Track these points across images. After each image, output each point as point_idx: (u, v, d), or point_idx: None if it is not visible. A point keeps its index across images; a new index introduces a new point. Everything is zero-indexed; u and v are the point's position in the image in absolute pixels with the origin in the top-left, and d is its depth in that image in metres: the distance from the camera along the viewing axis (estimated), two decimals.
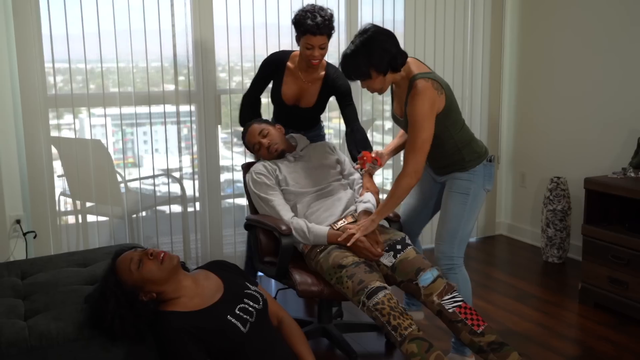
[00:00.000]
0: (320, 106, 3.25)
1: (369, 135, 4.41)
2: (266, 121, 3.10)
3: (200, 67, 3.72)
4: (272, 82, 3.22)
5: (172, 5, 3.63)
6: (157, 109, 3.71)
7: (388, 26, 4.24)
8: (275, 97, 3.22)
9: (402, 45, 2.62)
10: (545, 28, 4.34)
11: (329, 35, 2.99)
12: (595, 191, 3.41)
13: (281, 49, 3.43)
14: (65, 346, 1.96)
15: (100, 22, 3.46)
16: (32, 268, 2.52)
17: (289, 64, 3.16)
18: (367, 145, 3.11)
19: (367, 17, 4.17)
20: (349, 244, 2.62)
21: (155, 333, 2.05)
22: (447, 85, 2.65)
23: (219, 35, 3.76)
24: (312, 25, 2.91)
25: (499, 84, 4.63)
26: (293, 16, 3.00)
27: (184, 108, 3.77)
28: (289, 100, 3.20)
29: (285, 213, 2.78)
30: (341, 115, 3.26)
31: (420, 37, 4.29)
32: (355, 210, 2.83)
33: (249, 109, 3.29)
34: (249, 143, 3.05)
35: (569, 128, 4.23)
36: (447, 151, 2.70)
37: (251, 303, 2.17)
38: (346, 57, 2.57)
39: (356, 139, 3.13)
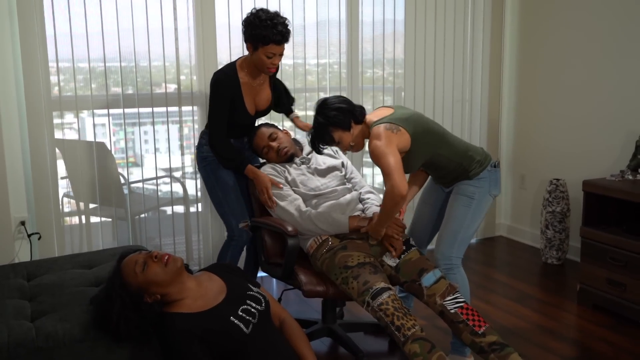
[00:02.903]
0: (276, 97, 3.22)
1: None
2: (274, 125, 3.13)
3: (202, 66, 3.74)
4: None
5: (174, 4, 3.65)
6: (159, 108, 3.73)
7: (388, 26, 4.33)
8: (239, 114, 3.06)
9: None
10: (545, 30, 4.37)
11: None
12: (594, 193, 3.44)
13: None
14: (71, 347, 1.98)
15: (104, 21, 3.48)
16: (37, 270, 2.54)
17: (240, 76, 3.02)
18: None
19: (367, 17, 4.18)
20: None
21: (160, 334, 2.08)
22: (411, 116, 2.66)
23: (222, 34, 3.78)
24: (276, 34, 2.82)
25: (498, 86, 4.65)
26: (246, 22, 2.89)
27: (186, 108, 3.79)
28: (252, 111, 3.12)
29: (304, 205, 2.83)
30: (282, 104, 3.27)
31: (420, 37, 4.31)
32: (363, 212, 2.88)
33: (229, 144, 3.08)
34: (258, 146, 3.07)
35: (568, 130, 4.26)
36: (447, 167, 2.74)
37: (253, 304, 2.20)
38: (311, 135, 2.72)
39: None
